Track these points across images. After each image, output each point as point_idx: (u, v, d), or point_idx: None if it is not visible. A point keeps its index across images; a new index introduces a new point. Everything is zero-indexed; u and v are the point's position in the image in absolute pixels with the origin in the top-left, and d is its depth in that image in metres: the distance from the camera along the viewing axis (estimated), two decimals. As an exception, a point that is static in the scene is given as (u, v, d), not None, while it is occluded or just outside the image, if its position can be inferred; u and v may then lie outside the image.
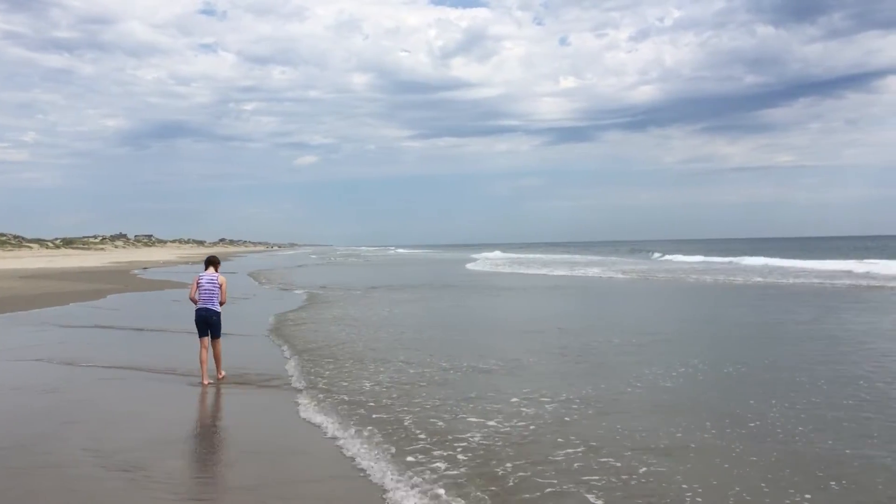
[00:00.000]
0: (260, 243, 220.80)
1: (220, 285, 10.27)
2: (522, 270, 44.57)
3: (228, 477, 5.95)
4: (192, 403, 8.71)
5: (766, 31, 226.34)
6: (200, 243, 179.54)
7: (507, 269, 46.51)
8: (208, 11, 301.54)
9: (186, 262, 64.99)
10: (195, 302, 10.22)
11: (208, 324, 10.06)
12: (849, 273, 32.22)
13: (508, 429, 6.98)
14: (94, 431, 7.16)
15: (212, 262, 10.61)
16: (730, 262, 49.48)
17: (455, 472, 5.73)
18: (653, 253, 72.77)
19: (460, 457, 6.11)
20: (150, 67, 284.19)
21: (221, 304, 10.28)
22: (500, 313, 19.55)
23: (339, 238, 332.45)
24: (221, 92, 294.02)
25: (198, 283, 10.25)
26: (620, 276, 35.48)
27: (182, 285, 29.50)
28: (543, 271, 42.07)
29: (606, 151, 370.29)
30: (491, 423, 7.20)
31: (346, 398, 8.41)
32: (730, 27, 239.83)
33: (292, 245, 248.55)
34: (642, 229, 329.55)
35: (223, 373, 10.09)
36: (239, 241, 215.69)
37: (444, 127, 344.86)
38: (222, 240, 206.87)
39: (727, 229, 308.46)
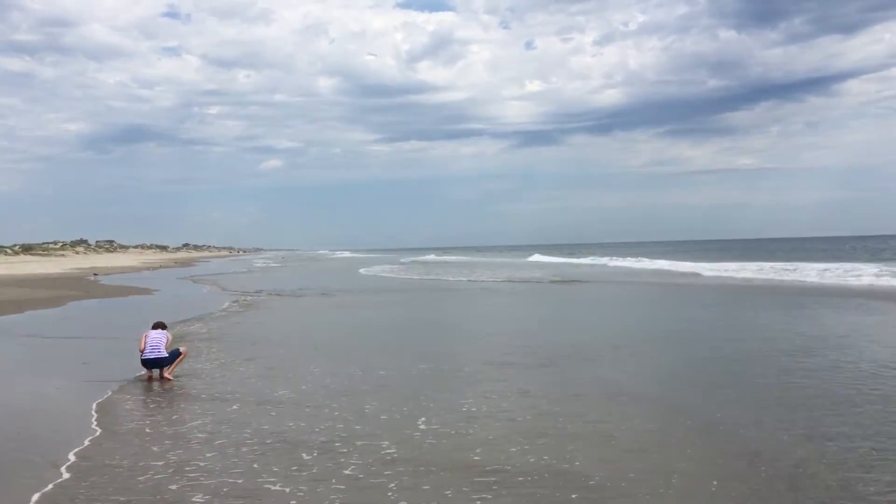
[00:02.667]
0: (224, 248, 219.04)
1: (167, 338, 11.59)
2: (403, 275, 47.48)
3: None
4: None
5: (728, 35, 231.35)
6: (164, 248, 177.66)
7: (390, 274, 48.91)
8: (172, 14, 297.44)
9: (149, 268, 65.21)
10: (142, 352, 11.43)
11: (157, 366, 11.32)
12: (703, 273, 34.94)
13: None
14: None
15: (159, 325, 11.96)
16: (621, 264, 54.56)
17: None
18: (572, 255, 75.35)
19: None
20: (113, 71, 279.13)
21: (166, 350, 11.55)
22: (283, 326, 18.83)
23: (306, 242, 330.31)
24: (185, 95, 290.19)
25: (145, 339, 11.50)
26: (488, 279, 38.55)
27: (145, 291, 30.20)
28: (430, 275, 45.00)
29: (572, 155, 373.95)
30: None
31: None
32: (693, 32, 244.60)
33: (257, 250, 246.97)
34: (608, 232, 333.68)
35: (170, 375, 11.21)
36: (203, 245, 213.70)
37: (410, 130, 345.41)
38: (186, 245, 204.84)
39: (691, 232, 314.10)
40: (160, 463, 6.60)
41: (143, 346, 11.57)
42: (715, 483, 5.89)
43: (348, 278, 44.63)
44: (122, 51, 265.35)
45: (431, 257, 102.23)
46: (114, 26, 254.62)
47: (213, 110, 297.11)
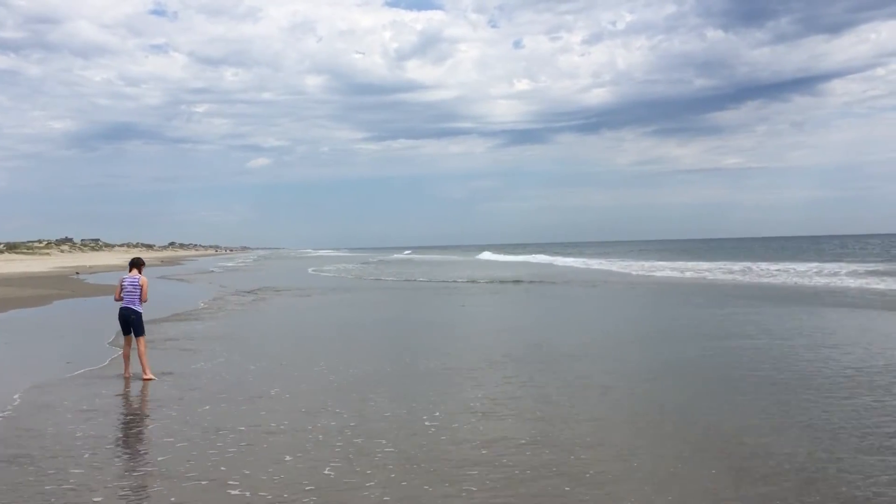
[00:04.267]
0: (211, 246, 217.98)
1: (142, 286, 10.88)
2: (343, 274, 48.76)
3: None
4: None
5: (715, 35, 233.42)
6: (149, 247, 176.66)
7: (331, 274, 49.56)
8: (159, 12, 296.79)
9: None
10: (119, 301, 10.88)
11: (128, 322, 10.69)
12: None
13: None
14: None
15: (135, 263, 11.18)
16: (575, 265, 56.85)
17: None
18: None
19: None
20: (99, 68, 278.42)
21: (143, 302, 10.92)
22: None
23: (293, 240, 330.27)
24: (172, 93, 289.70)
25: (121, 285, 10.89)
26: (421, 279, 39.56)
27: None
28: (387, 275, 45.90)
29: (560, 153, 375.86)
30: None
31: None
32: (680, 31, 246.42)
33: (244, 248, 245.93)
34: (596, 230, 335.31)
35: (150, 374, 10.44)
36: (189, 244, 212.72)
37: (398, 129, 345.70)
38: (172, 243, 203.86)
39: (679, 231, 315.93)
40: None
41: (118, 295, 10.91)
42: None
43: (301, 278, 45.16)
44: (109, 48, 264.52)
45: (401, 255, 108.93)
46: (100, 23, 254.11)
47: (201, 108, 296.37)
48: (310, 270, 55.49)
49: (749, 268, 40.12)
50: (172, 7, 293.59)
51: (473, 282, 36.03)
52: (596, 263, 55.72)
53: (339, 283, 37.61)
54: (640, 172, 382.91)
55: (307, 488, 5.80)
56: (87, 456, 6.73)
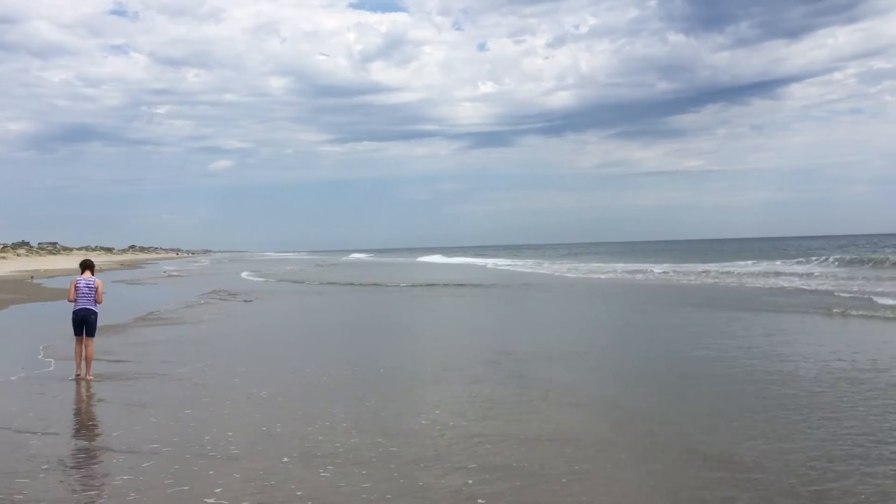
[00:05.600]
0: (172, 250, 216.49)
1: (97, 288, 11.23)
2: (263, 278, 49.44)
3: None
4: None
5: (677, 39, 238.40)
6: (109, 250, 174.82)
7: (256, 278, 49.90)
8: (119, 12, 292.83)
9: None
10: (73, 302, 11.14)
11: (86, 322, 10.99)
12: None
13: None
14: None
15: (88, 266, 11.38)
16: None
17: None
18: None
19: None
20: (58, 69, 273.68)
21: (98, 303, 11.28)
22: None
23: (258, 243, 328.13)
24: (133, 94, 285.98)
25: (76, 286, 11.11)
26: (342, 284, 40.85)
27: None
28: (313, 279, 47.15)
29: (524, 156, 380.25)
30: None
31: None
32: (643, 35, 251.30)
33: (206, 251, 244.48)
34: (560, 233, 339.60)
35: (91, 376, 10.94)
36: (150, 247, 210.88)
37: (363, 131, 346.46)
38: (132, 246, 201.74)
39: (643, 232, 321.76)
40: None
41: (72, 296, 10.97)
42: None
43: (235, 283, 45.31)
44: (68, 48, 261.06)
45: (348, 258, 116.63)
46: (59, 23, 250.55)
47: (162, 109, 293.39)
48: (243, 275, 55.55)
49: (673, 269, 43.32)
50: (133, 7, 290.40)
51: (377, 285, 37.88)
52: (529, 265, 59.97)
53: (255, 288, 37.86)
54: (603, 175, 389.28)
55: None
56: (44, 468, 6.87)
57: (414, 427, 8.27)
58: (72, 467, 6.96)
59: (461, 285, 35.80)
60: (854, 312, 18.51)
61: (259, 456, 7.10)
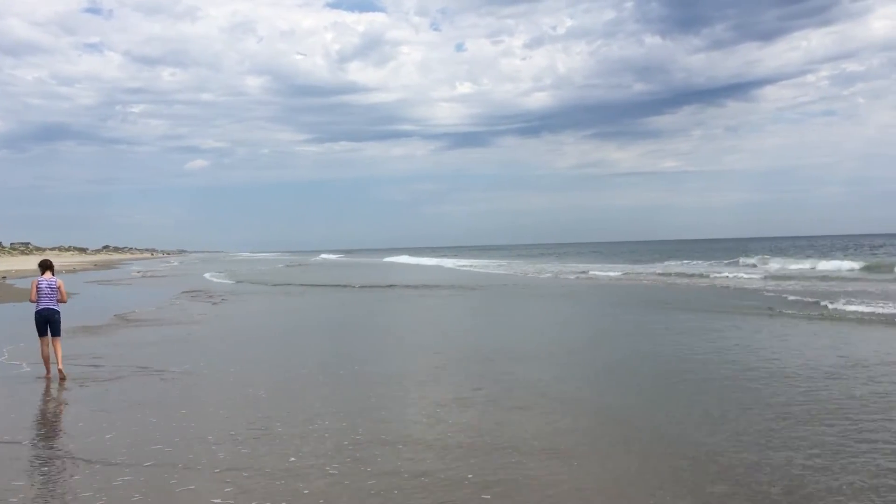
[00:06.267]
0: (146, 250, 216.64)
1: (59, 287, 11.18)
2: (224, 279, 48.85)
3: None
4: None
5: (653, 40, 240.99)
6: (83, 251, 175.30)
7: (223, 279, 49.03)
8: (94, 10, 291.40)
9: (67, 271, 65.08)
10: (35, 303, 11.04)
11: (49, 322, 10.93)
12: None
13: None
14: None
15: (46, 266, 11.31)
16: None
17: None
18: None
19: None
20: (31, 67, 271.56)
21: (62, 302, 11.23)
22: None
23: (233, 244, 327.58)
24: (107, 93, 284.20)
25: (37, 287, 11.00)
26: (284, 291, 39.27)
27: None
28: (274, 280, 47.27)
29: (502, 156, 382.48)
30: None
31: None
32: (619, 36, 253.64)
33: (181, 252, 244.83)
34: (537, 233, 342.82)
35: (62, 366, 10.91)
36: (124, 247, 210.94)
37: (340, 131, 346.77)
38: (106, 247, 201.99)
39: (619, 233, 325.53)
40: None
41: (33, 297, 10.86)
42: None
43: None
44: (41, 47, 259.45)
45: (320, 258, 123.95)
46: (32, 21, 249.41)
47: (137, 109, 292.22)
48: (205, 275, 55.32)
49: (630, 269, 47.04)
50: (107, 5, 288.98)
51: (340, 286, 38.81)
52: (492, 266, 62.84)
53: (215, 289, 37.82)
54: (580, 175, 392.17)
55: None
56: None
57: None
58: (37, 476, 6.80)
59: (414, 287, 36.73)
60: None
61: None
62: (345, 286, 38.12)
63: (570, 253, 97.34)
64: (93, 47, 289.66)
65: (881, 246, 71.91)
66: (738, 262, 50.09)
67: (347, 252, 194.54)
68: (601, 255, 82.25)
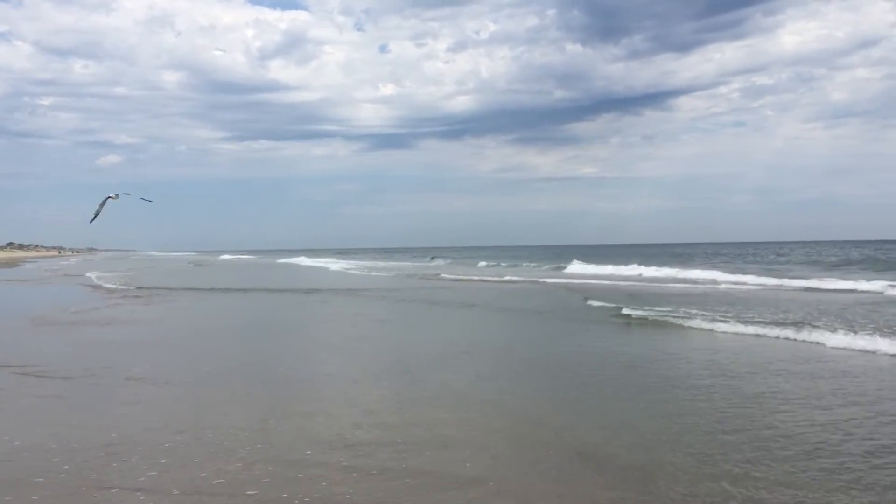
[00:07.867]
0: (54, 248, 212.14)
1: None
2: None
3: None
4: None
5: (574, 48, 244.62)
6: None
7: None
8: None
9: None
10: None
11: None
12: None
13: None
14: None
15: None
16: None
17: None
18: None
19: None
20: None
21: None
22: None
23: (146, 242, 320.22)
24: (15, 84, 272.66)
25: None
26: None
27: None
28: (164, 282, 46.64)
29: (424, 159, 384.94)
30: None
31: None
32: (542, 43, 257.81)
33: (91, 250, 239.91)
34: (458, 236, 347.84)
35: None
36: (30, 245, 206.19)
37: (260, 130, 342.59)
38: (10, 244, 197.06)
39: (539, 237, 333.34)
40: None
41: None
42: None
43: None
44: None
45: (221, 258, 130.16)
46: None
47: (46, 101, 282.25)
48: (87, 274, 53.93)
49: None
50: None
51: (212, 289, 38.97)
52: (379, 268, 68.01)
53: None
54: (501, 179, 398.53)
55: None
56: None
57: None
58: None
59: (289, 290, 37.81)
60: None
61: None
62: (230, 290, 38.02)
63: (487, 256, 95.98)
64: (0, 36, 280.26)
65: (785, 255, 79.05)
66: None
67: (261, 252, 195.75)
68: (518, 258, 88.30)
